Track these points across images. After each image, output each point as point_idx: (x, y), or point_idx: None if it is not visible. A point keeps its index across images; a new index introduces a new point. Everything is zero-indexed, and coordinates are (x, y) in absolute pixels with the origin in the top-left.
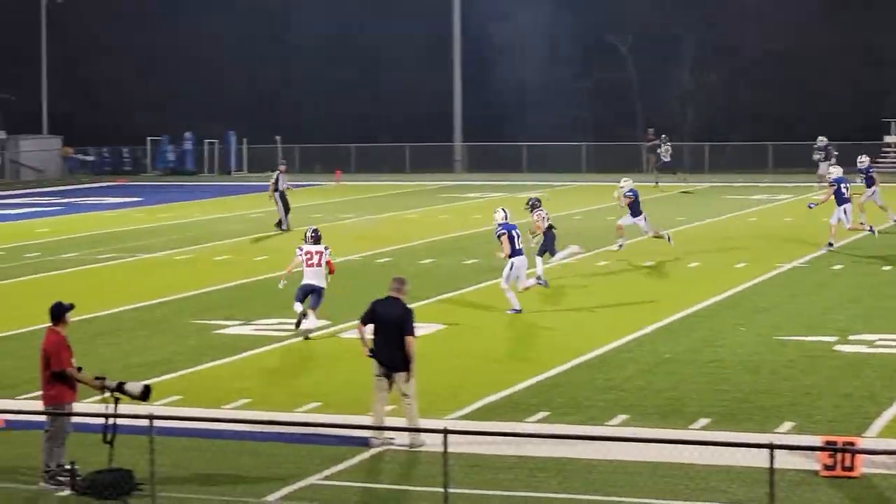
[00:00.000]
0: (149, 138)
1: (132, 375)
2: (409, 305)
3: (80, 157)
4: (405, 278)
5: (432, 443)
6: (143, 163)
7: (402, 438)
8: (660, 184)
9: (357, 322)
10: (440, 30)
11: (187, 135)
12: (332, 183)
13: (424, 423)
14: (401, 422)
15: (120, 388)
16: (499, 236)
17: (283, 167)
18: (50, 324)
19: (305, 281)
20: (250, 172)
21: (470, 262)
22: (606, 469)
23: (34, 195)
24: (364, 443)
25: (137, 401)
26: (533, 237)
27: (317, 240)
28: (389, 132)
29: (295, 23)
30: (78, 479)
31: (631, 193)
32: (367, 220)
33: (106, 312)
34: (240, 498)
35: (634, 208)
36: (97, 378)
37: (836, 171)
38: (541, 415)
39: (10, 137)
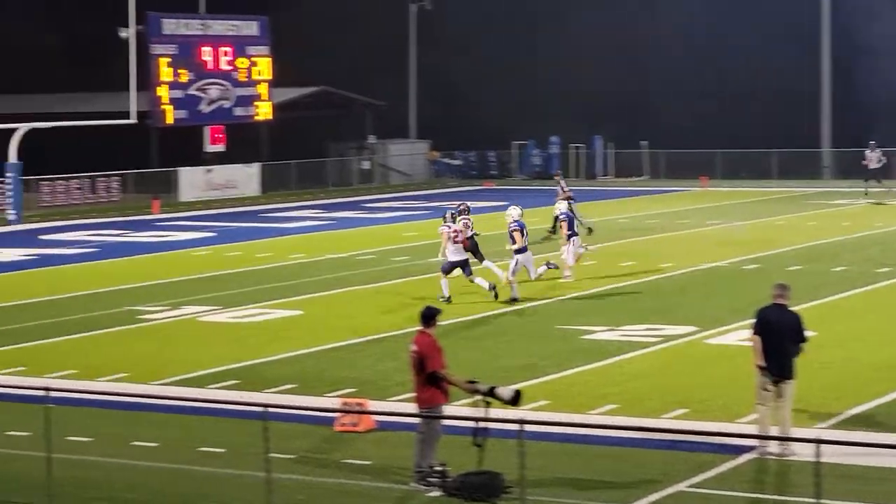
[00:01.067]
0: (515, 143)
1: (499, 379)
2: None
3: (447, 161)
4: (788, 284)
5: (802, 452)
6: (510, 167)
7: (772, 447)
8: (869, 192)
9: (750, 334)
10: (805, 31)
11: (553, 139)
12: (699, 188)
13: (795, 431)
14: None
15: (491, 392)
16: (511, 232)
17: (556, 175)
18: (420, 326)
19: (451, 258)
20: (616, 177)
21: (839, 269)
22: None
23: (402, 199)
24: (734, 451)
25: (507, 405)
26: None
27: (454, 219)
28: (755, 137)
29: (661, 25)
30: (448, 480)
31: (517, 225)
32: (734, 226)
33: (476, 317)
34: (606, 503)
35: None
36: (469, 382)
37: None
38: None
39: (379, 142)
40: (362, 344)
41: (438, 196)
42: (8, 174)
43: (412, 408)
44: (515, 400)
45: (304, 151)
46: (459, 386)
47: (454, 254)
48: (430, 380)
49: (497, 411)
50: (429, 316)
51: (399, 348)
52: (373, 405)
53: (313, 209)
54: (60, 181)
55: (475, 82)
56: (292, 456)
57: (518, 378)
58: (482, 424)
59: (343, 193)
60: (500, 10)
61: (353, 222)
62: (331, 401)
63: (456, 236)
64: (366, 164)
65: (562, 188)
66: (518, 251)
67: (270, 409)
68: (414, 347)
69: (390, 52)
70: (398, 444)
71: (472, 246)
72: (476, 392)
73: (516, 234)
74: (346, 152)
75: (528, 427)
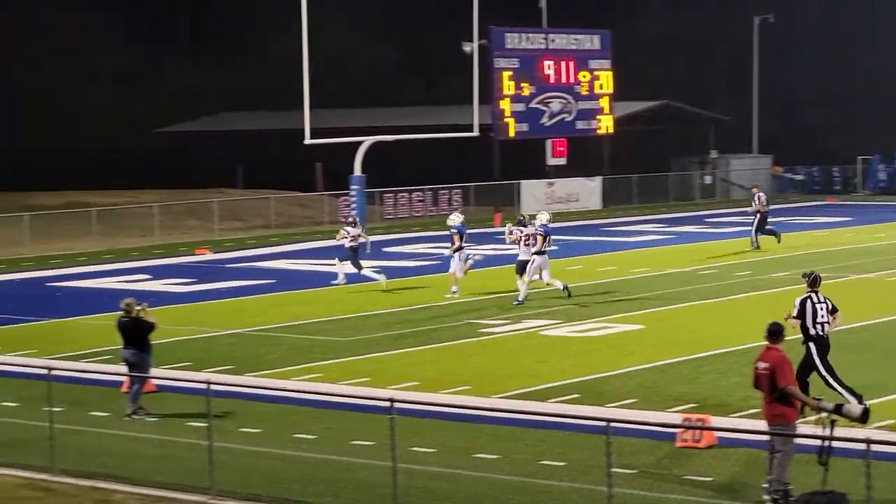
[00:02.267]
0: (859, 158)
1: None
2: None
3: (790, 175)
4: None
5: None
6: (853, 182)
7: None
8: None
9: None
10: None
11: None
12: None
13: None
14: None
15: (838, 409)
16: (535, 234)
17: (755, 189)
18: (767, 343)
19: (522, 257)
20: None
21: None
22: None
23: (744, 214)
24: None
25: (855, 423)
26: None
27: (525, 224)
28: None
29: None
30: (791, 499)
31: (542, 230)
32: None
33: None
34: None
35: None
36: (815, 398)
37: None
38: None
39: (721, 156)
40: (705, 359)
41: (781, 211)
42: (353, 187)
43: (754, 424)
44: (864, 418)
45: (644, 165)
46: (806, 402)
47: (525, 254)
48: (781, 396)
49: (843, 430)
50: (776, 332)
51: (742, 364)
52: (715, 421)
53: (655, 223)
54: (403, 193)
55: (818, 96)
56: (633, 471)
57: (865, 396)
58: (827, 443)
59: (685, 208)
60: (845, 23)
61: (696, 237)
62: (672, 416)
63: (527, 239)
64: (708, 179)
65: (756, 201)
66: (537, 253)
67: (613, 424)
68: (764, 364)
69: (733, 65)
70: (740, 461)
71: (349, 254)
72: (822, 409)
73: (538, 238)
74: (688, 167)
75: (875, 446)
